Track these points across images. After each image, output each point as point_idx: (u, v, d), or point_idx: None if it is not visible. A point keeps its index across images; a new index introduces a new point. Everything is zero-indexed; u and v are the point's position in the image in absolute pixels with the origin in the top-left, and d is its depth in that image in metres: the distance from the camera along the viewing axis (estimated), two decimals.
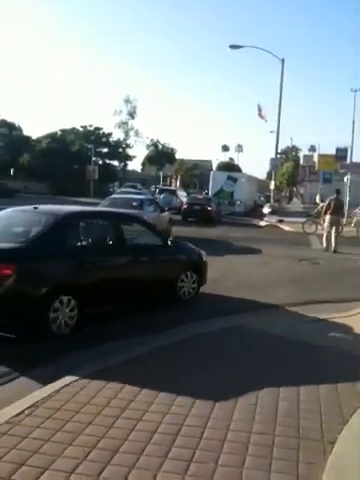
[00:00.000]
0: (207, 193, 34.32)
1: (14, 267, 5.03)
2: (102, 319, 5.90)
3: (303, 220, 21.02)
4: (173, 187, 48.67)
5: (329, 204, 15.08)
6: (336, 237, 14.71)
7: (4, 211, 6.59)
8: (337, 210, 15.03)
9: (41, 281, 5.31)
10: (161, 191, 32.04)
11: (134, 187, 41.08)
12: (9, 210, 6.60)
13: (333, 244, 14.59)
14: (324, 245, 14.92)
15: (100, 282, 5.83)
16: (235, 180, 32.85)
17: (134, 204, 14.32)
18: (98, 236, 6.53)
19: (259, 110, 34.53)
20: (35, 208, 6.36)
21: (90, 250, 6.11)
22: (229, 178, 33.10)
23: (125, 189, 39.70)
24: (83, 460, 2.88)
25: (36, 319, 5.11)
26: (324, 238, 15.00)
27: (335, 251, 14.45)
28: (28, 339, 5.06)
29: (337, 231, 14.90)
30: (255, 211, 33.04)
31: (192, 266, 7.45)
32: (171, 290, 7.06)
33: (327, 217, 14.98)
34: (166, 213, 16.71)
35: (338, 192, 15.58)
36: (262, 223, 25.94)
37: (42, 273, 5.36)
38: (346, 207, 23.71)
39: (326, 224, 15.02)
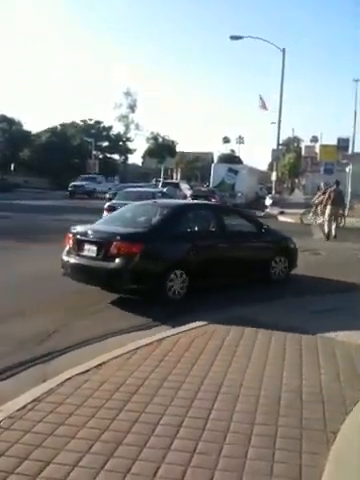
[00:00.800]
0: (208, 185, 34.60)
1: (140, 246, 6.57)
2: (207, 291, 7.10)
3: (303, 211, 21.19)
4: (175, 180, 48.36)
5: (329, 195, 15.69)
6: (336, 226, 15.48)
7: (130, 204, 8.72)
8: (337, 201, 15.57)
9: (161, 258, 6.87)
10: (164, 184, 32.25)
11: (93, 180, 40.25)
12: (134, 203, 8.73)
13: (333, 232, 15.29)
14: (326, 231, 15.46)
15: (206, 261, 7.20)
16: (236, 172, 33.10)
17: (147, 197, 15.02)
18: (204, 224, 8.07)
19: (261, 101, 34.15)
20: (154, 202, 8.73)
21: (198, 235, 7.74)
22: (230, 170, 33.39)
23: (79, 183, 39.19)
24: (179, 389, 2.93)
25: (157, 287, 6.57)
26: (325, 227, 15.52)
27: (335, 237, 15.22)
28: (151, 302, 6.59)
29: (336, 220, 15.63)
30: (256, 203, 33.05)
31: (284, 251, 8.56)
32: (265, 271, 8.19)
33: (328, 207, 15.53)
34: None
35: (338, 183, 16.17)
36: (264, 214, 26.05)
37: (162, 251, 6.94)
38: (348, 197, 24.22)
39: (327, 214, 15.52)
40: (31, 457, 2.85)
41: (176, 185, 32.20)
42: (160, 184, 33.81)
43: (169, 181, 39.54)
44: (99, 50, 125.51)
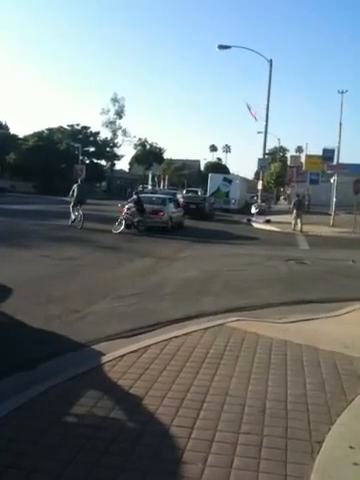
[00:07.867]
0: (197, 192, 39.23)
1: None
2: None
3: (290, 220, 22.88)
4: (194, 188, 52.70)
5: (295, 203, 23.72)
6: (301, 223, 22.91)
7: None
8: (299, 207, 23.29)
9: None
10: (188, 191, 40.47)
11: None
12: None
13: (299, 226, 22.64)
14: (292, 227, 22.84)
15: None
16: (230, 181, 38.46)
17: (159, 201, 19.35)
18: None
19: (249, 109, 34.93)
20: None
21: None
22: (225, 180, 38.85)
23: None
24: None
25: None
26: (292, 224, 23.13)
27: (301, 231, 21.98)
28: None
29: (301, 219, 23.03)
30: (246, 209, 35.96)
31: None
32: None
33: (294, 211, 23.27)
34: (181, 209, 22.20)
35: (298, 196, 25.14)
36: (252, 221, 27.30)
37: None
38: (333, 207, 26.35)
39: (293, 215, 23.27)
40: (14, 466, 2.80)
41: (196, 192, 41.40)
42: (184, 191, 43.99)
43: (191, 189, 48.83)
44: (85, 54, 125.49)
